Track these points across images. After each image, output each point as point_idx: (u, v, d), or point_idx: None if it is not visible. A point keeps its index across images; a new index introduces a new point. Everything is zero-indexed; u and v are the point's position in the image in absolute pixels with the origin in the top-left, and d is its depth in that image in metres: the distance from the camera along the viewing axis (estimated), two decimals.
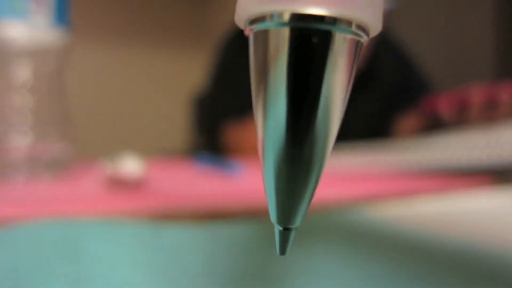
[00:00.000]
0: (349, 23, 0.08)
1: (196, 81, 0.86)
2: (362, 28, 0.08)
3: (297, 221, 0.09)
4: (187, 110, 0.82)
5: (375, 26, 0.08)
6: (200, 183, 0.33)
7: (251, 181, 0.33)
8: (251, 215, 0.20)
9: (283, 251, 0.09)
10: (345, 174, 0.39)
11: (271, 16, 0.08)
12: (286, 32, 0.08)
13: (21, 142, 0.31)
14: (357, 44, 0.08)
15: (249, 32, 0.08)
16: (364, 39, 0.08)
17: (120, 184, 0.28)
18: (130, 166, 0.28)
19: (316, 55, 0.08)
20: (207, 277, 0.11)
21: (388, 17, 0.76)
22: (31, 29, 0.31)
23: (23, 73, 0.32)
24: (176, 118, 1.32)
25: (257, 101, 0.08)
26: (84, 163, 0.41)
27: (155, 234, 0.15)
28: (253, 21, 0.08)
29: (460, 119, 0.53)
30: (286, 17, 0.08)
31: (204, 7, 1.99)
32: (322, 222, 0.18)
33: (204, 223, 0.17)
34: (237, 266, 0.12)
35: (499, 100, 0.51)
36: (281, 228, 0.09)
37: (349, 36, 0.08)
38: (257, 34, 0.08)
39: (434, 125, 0.56)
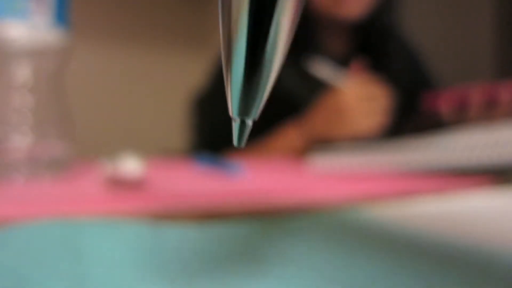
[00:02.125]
0: None
1: (195, 81, 0.86)
2: None
3: (252, 114, 0.11)
4: (186, 110, 0.82)
5: None
6: (200, 183, 0.33)
7: (251, 181, 0.33)
8: (251, 215, 0.20)
9: (239, 142, 0.11)
10: (345, 174, 0.39)
11: None
12: None
13: (21, 142, 0.31)
14: None
15: None
16: None
17: (120, 184, 0.28)
18: (130, 166, 0.28)
19: None
20: (207, 277, 0.11)
21: (395, 12, 0.76)
22: (31, 29, 0.31)
23: (23, 73, 0.32)
24: (176, 118, 1.32)
25: (224, 27, 0.10)
26: (84, 163, 0.41)
27: (155, 234, 0.15)
28: None
29: (460, 117, 0.53)
30: None
31: (204, 8, 1.99)
32: (322, 222, 0.18)
33: (204, 223, 0.17)
34: (237, 265, 0.12)
35: (498, 99, 0.51)
36: (239, 121, 0.11)
37: None
38: None
39: (434, 123, 0.56)
